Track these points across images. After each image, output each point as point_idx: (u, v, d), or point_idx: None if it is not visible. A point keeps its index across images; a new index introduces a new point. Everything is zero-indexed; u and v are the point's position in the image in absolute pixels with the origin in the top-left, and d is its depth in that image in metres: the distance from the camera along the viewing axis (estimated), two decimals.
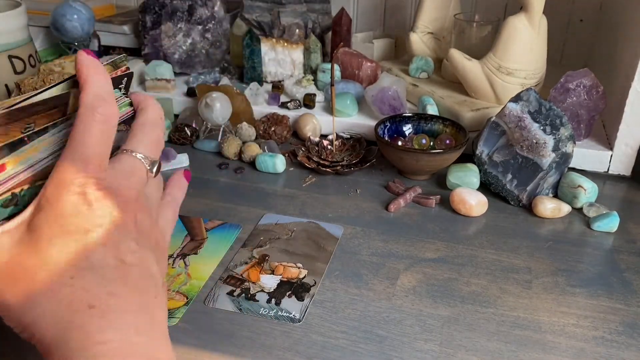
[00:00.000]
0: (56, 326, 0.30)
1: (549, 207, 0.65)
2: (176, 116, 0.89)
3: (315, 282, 0.54)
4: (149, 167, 0.38)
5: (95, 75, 0.35)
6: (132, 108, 0.42)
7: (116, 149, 0.39)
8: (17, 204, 0.34)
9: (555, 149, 0.65)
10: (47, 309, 0.31)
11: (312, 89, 0.89)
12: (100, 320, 0.30)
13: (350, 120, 0.82)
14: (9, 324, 0.32)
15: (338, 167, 0.73)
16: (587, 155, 0.74)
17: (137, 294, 0.33)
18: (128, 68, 0.41)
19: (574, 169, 0.71)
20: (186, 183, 0.46)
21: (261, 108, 0.85)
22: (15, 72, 0.85)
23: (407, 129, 0.77)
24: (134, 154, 0.38)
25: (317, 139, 0.78)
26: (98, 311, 0.31)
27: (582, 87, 0.72)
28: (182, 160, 0.76)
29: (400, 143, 0.74)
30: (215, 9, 0.95)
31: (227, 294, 0.52)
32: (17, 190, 0.34)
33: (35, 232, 0.32)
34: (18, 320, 0.31)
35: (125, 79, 0.41)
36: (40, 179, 0.35)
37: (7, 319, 0.32)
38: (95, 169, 0.34)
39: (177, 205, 0.44)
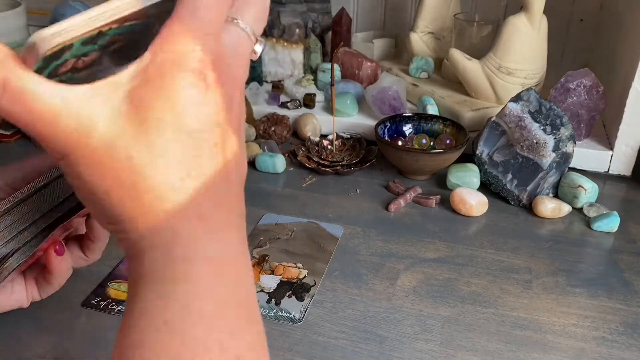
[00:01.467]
0: (159, 230, 0.26)
1: (549, 207, 0.65)
2: None
3: (315, 282, 0.54)
4: (254, 46, 0.30)
5: None
6: None
7: None
8: (95, 42, 0.27)
9: (556, 148, 0.65)
10: (153, 210, 0.26)
11: (312, 88, 0.89)
12: (208, 234, 0.26)
13: (350, 120, 0.82)
14: (97, 216, 0.27)
15: (338, 167, 0.73)
16: (587, 155, 0.74)
17: (237, 206, 0.28)
18: None
19: (574, 169, 0.71)
20: None
21: (261, 108, 0.85)
22: None
23: (407, 128, 0.77)
24: (241, 24, 0.29)
25: (317, 139, 0.78)
26: (208, 225, 0.27)
27: (582, 87, 0.72)
28: None
29: (400, 143, 0.74)
30: None
31: None
32: (105, 29, 0.26)
33: (141, 111, 0.25)
34: (112, 213, 0.26)
35: None
36: (134, 19, 0.27)
37: (98, 210, 0.27)
38: (213, 40, 0.26)
39: None
